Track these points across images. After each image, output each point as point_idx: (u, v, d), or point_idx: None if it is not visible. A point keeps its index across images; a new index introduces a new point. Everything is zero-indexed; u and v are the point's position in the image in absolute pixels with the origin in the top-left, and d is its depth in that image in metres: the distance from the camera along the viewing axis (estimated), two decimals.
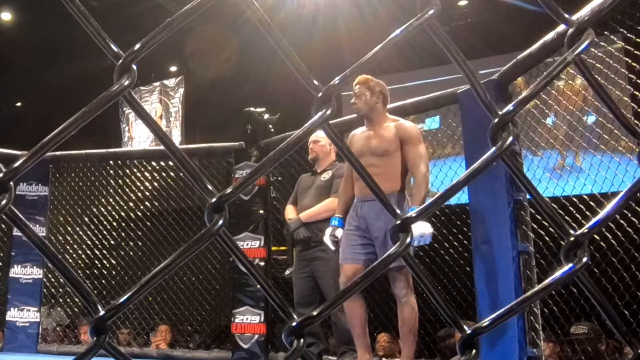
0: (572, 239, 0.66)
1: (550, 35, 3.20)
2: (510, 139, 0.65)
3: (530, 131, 3.84)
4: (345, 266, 3.41)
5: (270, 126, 5.16)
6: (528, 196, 2.28)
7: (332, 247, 3.55)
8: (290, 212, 4.25)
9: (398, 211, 0.64)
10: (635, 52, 3.16)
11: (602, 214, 0.69)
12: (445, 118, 4.52)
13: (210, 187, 0.60)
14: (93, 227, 6.38)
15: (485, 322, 0.63)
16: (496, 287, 3.47)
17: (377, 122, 3.44)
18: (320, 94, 0.62)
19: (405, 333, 3.35)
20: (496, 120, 0.65)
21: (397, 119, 3.51)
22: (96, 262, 6.35)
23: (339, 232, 3.50)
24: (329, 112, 0.61)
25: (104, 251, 6.32)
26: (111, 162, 6.04)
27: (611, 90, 3.29)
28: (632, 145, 3.43)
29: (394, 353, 5.12)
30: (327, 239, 3.56)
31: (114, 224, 6.39)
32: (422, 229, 3.11)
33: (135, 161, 6.00)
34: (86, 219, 6.35)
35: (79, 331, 6.14)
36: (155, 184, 6.03)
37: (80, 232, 6.22)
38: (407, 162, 3.36)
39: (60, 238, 6.01)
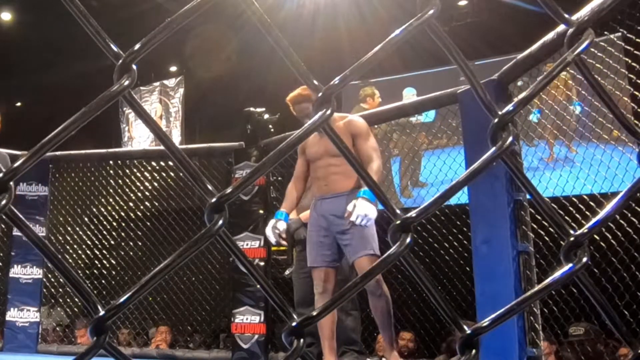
0: (572, 239, 0.66)
1: (550, 35, 3.20)
2: (510, 139, 0.65)
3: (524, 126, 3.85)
4: (315, 270, 3.40)
5: (270, 126, 5.16)
6: (528, 196, 2.29)
7: (273, 240, 3.44)
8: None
9: (398, 211, 0.64)
10: (635, 52, 3.16)
11: (602, 214, 0.69)
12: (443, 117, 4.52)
13: (210, 187, 0.60)
14: (93, 227, 6.38)
15: (485, 322, 0.63)
16: (496, 287, 3.47)
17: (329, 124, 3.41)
18: (320, 94, 0.62)
19: (383, 324, 3.34)
20: (496, 120, 0.65)
21: (345, 116, 3.51)
22: (96, 262, 6.35)
23: (282, 225, 3.40)
24: (329, 112, 0.61)
25: (104, 251, 6.32)
26: (111, 162, 6.05)
27: (611, 91, 3.29)
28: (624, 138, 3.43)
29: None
30: (268, 231, 3.43)
31: (114, 224, 6.39)
32: (366, 210, 3.05)
33: (135, 161, 6.00)
34: (86, 219, 6.35)
35: (76, 334, 6.12)
36: (155, 184, 6.03)
37: (80, 232, 6.22)
38: (361, 155, 3.31)
39: (60, 238, 6.01)
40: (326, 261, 3.37)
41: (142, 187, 6.03)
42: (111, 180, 6.13)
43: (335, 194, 3.33)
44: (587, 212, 3.45)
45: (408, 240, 0.62)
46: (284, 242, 3.53)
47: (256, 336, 4.78)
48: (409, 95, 7.55)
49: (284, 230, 3.43)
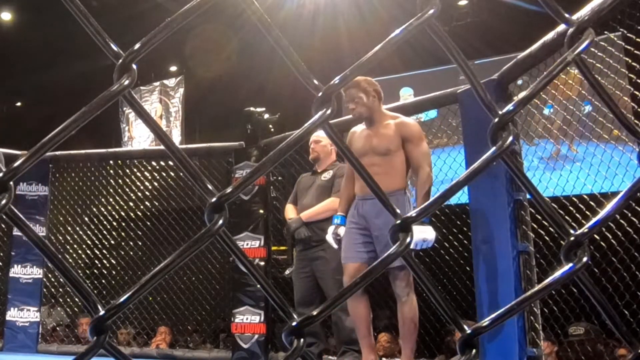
0: (572, 238, 0.66)
1: (550, 35, 3.20)
2: (511, 138, 0.65)
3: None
4: (347, 265, 3.40)
5: (270, 126, 5.16)
6: (528, 196, 2.29)
7: (335, 245, 3.52)
8: (290, 212, 4.25)
9: (398, 211, 0.64)
10: (636, 51, 3.16)
11: (602, 213, 0.69)
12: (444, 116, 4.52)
13: (210, 186, 0.60)
14: (93, 227, 6.38)
15: (485, 322, 0.63)
16: (496, 287, 3.47)
17: (377, 121, 3.42)
18: (320, 94, 0.62)
19: (405, 333, 3.34)
20: (496, 120, 0.65)
21: (397, 116, 3.48)
22: (96, 262, 6.35)
23: (342, 230, 3.47)
24: (329, 111, 0.61)
25: (104, 251, 6.32)
26: (111, 162, 6.05)
27: (611, 90, 3.29)
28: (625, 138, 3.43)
29: (394, 353, 5.12)
30: (329, 237, 3.53)
31: (114, 224, 6.39)
32: (424, 235, 3.10)
33: (135, 161, 6.00)
34: (86, 219, 6.35)
35: (79, 322, 6.15)
36: (155, 184, 6.02)
37: (80, 232, 6.22)
38: (411, 161, 3.33)
39: (60, 238, 6.01)
40: (359, 257, 3.35)
41: (142, 187, 6.03)
42: (111, 180, 6.13)
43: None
44: (587, 212, 3.45)
45: (408, 240, 0.62)
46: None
47: (256, 336, 4.78)
48: (406, 95, 7.55)
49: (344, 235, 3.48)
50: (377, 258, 3.30)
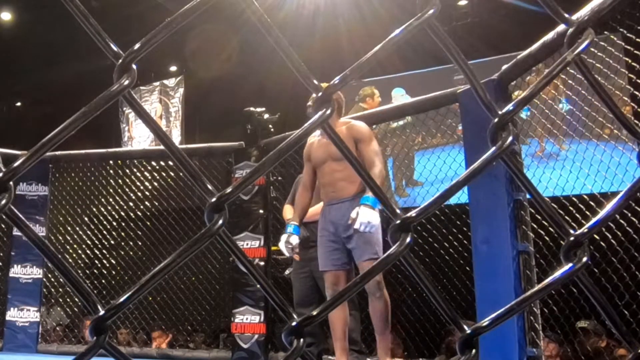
0: (572, 238, 0.66)
1: (550, 35, 3.20)
2: (510, 138, 0.65)
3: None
4: (326, 274, 3.45)
5: (270, 126, 5.16)
6: (528, 196, 2.29)
7: (287, 254, 3.54)
8: (288, 212, 4.25)
9: (398, 211, 0.63)
10: (635, 51, 3.16)
11: (602, 213, 0.69)
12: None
13: (210, 187, 0.60)
14: (93, 227, 6.38)
15: (485, 322, 0.63)
16: (496, 287, 3.47)
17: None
18: (320, 94, 0.62)
19: (381, 328, 3.37)
20: (496, 120, 0.65)
21: (349, 121, 3.55)
22: (96, 262, 6.35)
23: (294, 239, 3.47)
24: (328, 111, 0.61)
25: (104, 251, 6.32)
26: (111, 162, 6.05)
27: (611, 90, 3.28)
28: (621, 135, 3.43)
29: (394, 353, 5.12)
30: (282, 245, 3.52)
31: (114, 224, 6.39)
32: (369, 218, 3.10)
33: (135, 161, 6.00)
34: (86, 219, 6.35)
35: (83, 325, 6.16)
36: (155, 184, 6.03)
37: (80, 232, 6.22)
38: (364, 160, 3.33)
39: (60, 238, 6.01)
40: (336, 265, 3.41)
41: (142, 187, 6.03)
42: (111, 180, 6.13)
43: (341, 200, 3.38)
44: (587, 212, 3.45)
45: (408, 240, 0.62)
46: (297, 257, 3.60)
47: (256, 336, 4.79)
48: (398, 96, 7.50)
49: (297, 244, 3.49)
50: (352, 261, 3.33)
